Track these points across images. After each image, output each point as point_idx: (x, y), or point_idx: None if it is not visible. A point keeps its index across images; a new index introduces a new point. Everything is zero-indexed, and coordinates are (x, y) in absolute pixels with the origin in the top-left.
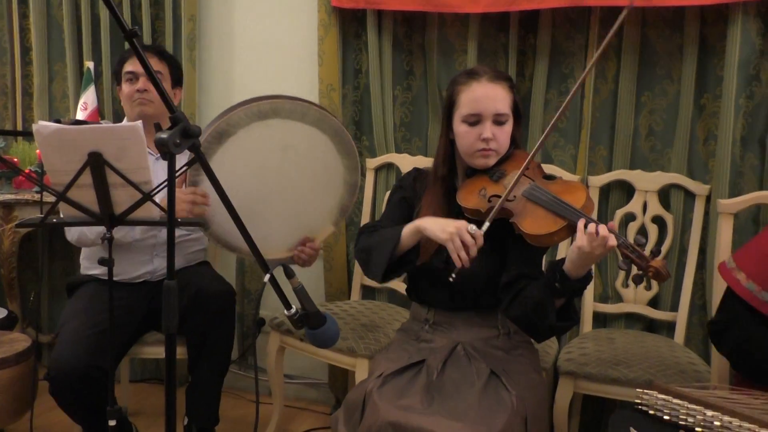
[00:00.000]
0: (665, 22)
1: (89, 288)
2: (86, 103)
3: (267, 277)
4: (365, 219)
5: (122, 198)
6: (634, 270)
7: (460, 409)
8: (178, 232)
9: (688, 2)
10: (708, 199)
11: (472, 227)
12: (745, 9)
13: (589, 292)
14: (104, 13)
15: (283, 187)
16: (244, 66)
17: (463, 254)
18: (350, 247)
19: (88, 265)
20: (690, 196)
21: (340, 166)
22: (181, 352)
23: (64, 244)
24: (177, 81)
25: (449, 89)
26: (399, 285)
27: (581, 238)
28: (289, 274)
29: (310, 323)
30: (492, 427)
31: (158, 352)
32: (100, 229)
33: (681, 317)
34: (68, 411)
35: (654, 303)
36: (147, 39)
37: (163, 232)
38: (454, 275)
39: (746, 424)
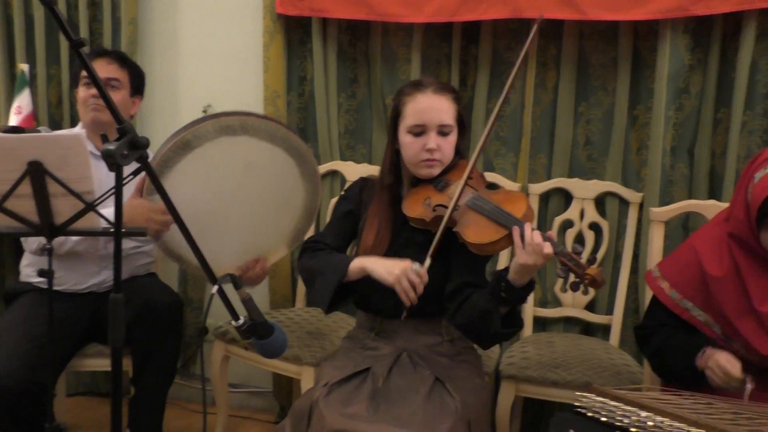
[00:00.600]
0: (600, 36)
1: (29, 297)
2: (20, 107)
3: (215, 288)
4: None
5: (64, 208)
6: (572, 278)
7: (405, 416)
8: (130, 244)
9: (621, 17)
10: (641, 206)
11: (416, 266)
12: (674, 25)
13: (529, 297)
14: (39, 14)
15: (242, 205)
16: (188, 72)
17: (411, 294)
18: (295, 254)
19: (30, 273)
20: (624, 203)
21: (302, 189)
22: (124, 364)
23: None
24: (137, 89)
25: (395, 100)
26: None
27: (519, 248)
28: (237, 285)
29: (258, 334)
30: (437, 431)
31: (99, 364)
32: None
33: (616, 320)
34: (4, 428)
35: (591, 307)
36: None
37: (112, 245)
38: (404, 314)
39: (677, 423)
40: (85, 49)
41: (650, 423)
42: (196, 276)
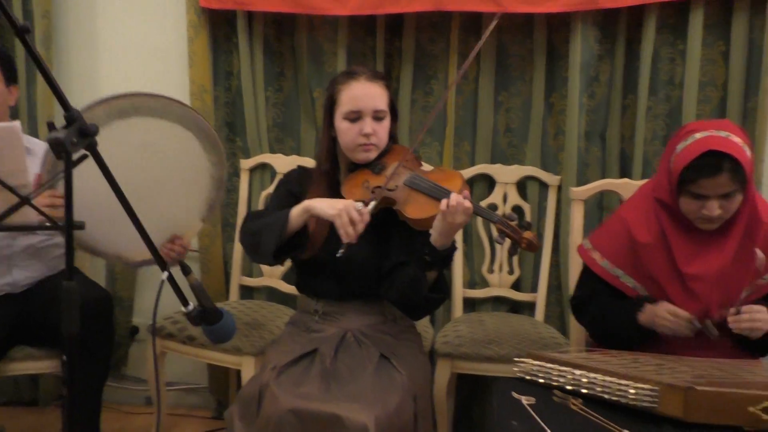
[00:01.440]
0: (517, 28)
1: None
2: None
3: (165, 275)
4: (241, 219)
5: None
6: (509, 243)
7: (356, 392)
8: (36, 237)
9: (536, 9)
10: (559, 188)
11: (359, 205)
12: (584, 18)
13: (458, 279)
14: None
15: (148, 187)
16: (109, 67)
17: (350, 230)
18: (227, 248)
19: None
20: (544, 186)
21: (206, 161)
22: (51, 366)
23: None
24: (11, 78)
25: (329, 89)
26: (278, 283)
27: (443, 205)
28: (186, 271)
29: (208, 319)
30: (387, 405)
31: (28, 367)
32: None
33: (540, 297)
34: None
35: (516, 286)
36: None
37: (19, 241)
38: (341, 251)
39: (608, 378)
40: None
41: (584, 380)
42: (123, 274)
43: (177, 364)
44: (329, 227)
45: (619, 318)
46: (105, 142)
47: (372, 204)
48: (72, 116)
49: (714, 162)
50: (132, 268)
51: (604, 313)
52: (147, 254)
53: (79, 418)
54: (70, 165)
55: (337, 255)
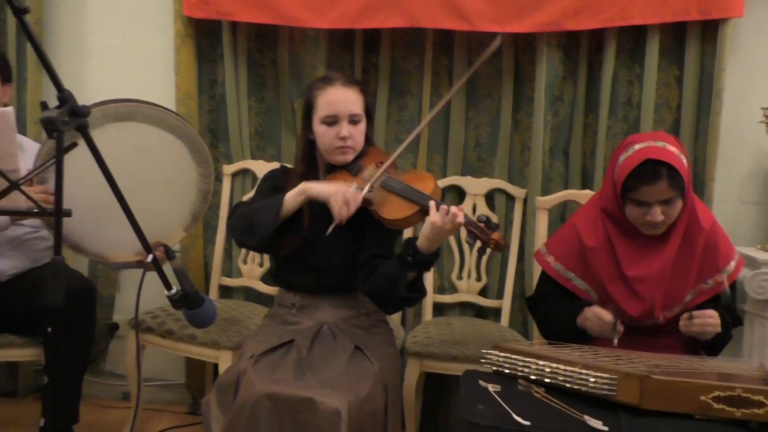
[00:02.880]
0: (486, 49)
1: None
2: None
3: (149, 257)
4: (222, 222)
5: None
6: (478, 244)
7: (329, 378)
8: (21, 229)
9: (503, 29)
10: (525, 201)
11: (353, 188)
12: (548, 40)
13: (429, 284)
14: None
15: (135, 191)
16: (97, 74)
17: (344, 209)
18: (207, 249)
19: None
20: (511, 198)
21: (195, 173)
22: (33, 354)
23: None
24: (6, 77)
25: (307, 94)
26: (256, 283)
27: (434, 215)
28: (170, 256)
29: (189, 303)
30: (359, 392)
31: (11, 354)
32: None
33: (506, 304)
34: None
35: (483, 293)
36: None
37: (5, 232)
38: (330, 229)
39: (570, 368)
40: None
41: (547, 369)
42: (105, 272)
43: (155, 360)
44: (308, 226)
45: (562, 318)
46: (98, 143)
47: (366, 189)
48: (64, 97)
49: (652, 170)
50: (111, 270)
51: (551, 313)
52: (127, 257)
53: (60, 404)
54: (61, 143)
55: (327, 233)
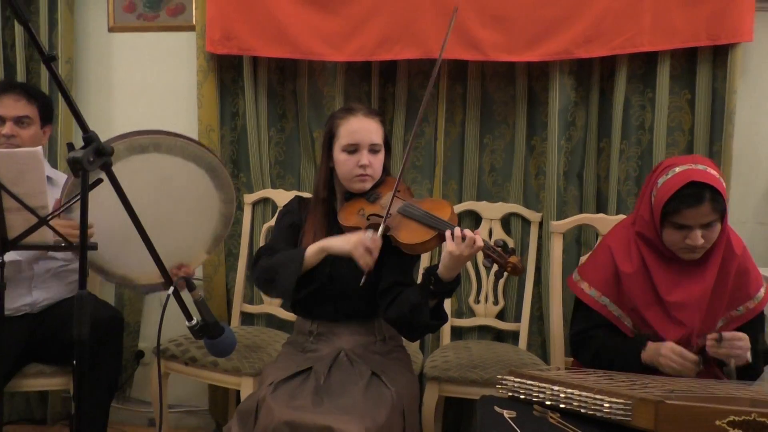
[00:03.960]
0: (500, 77)
1: None
2: None
3: (171, 290)
4: (243, 250)
5: (17, 222)
6: (495, 267)
7: (347, 406)
8: (55, 262)
9: (517, 58)
10: (540, 224)
11: (369, 233)
12: (561, 67)
13: (447, 309)
14: None
15: (160, 217)
16: (123, 108)
17: (368, 258)
18: (229, 276)
19: None
20: (526, 222)
21: (217, 199)
22: (61, 383)
23: None
24: (47, 119)
25: (328, 123)
26: (277, 310)
27: (451, 244)
28: (191, 287)
29: (210, 333)
30: (376, 419)
31: (40, 384)
32: None
33: (523, 327)
34: None
35: (501, 316)
36: (21, 80)
37: (40, 264)
38: (363, 280)
39: (584, 393)
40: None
41: (562, 395)
42: (131, 300)
43: (179, 387)
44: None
45: (622, 357)
46: (123, 174)
47: (381, 229)
48: (89, 137)
49: (696, 192)
50: (136, 292)
51: (606, 350)
52: (153, 279)
53: (87, 430)
54: (86, 182)
55: (360, 284)
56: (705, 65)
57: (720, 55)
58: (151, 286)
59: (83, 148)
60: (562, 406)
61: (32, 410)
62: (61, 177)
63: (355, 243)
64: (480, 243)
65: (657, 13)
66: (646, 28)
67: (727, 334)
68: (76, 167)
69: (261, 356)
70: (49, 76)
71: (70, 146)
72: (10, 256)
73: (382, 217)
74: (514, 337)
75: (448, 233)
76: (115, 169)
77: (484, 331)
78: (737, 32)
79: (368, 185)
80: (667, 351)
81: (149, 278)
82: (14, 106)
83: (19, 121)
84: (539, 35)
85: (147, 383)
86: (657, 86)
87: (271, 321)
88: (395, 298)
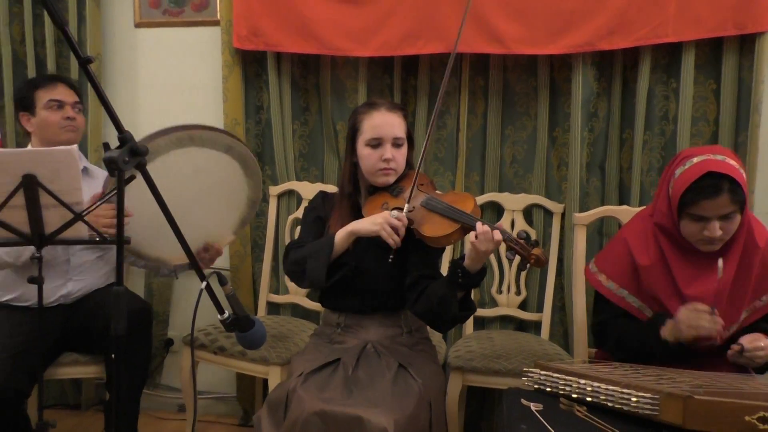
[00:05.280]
0: (522, 69)
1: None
2: None
3: (204, 284)
4: (269, 241)
5: (54, 218)
6: (518, 259)
7: (375, 398)
8: (90, 254)
9: (539, 51)
10: (563, 215)
11: (395, 212)
12: (584, 59)
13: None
14: (6, 50)
15: (191, 203)
16: (149, 102)
17: (395, 237)
18: (255, 267)
19: None
20: (548, 213)
21: (245, 185)
22: (95, 371)
23: None
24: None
25: (352, 118)
26: (302, 300)
27: (473, 238)
28: (222, 282)
29: (241, 327)
30: (404, 410)
31: (75, 372)
32: (16, 253)
33: (545, 317)
34: None
35: (523, 306)
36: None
37: (76, 256)
38: (392, 256)
39: (611, 387)
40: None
41: (589, 388)
42: (160, 289)
43: (207, 374)
44: (352, 245)
45: (643, 336)
46: (164, 166)
47: (406, 207)
48: (125, 138)
49: (714, 183)
50: (168, 272)
51: (627, 334)
52: (185, 259)
53: (119, 419)
54: (121, 180)
55: (389, 260)
56: (731, 54)
57: (747, 43)
58: (182, 266)
59: (118, 147)
60: (588, 399)
61: (67, 396)
62: (95, 169)
63: (381, 223)
64: (499, 237)
65: (681, 3)
66: (670, 18)
67: (748, 346)
68: (112, 167)
69: (288, 346)
70: (80, 71)
71: (106, 146)
72: (49, 251)
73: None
74: (536, 327)
75: (473, 229)
76: (157, 162)
77: (506, 321)
78: (764, 20)
79: (392, 179)
80: (683, 316)
81: (181, 259)
82: (68, 93)
83: (74, 106)
84: (562, 28)
85: (176, 370)
86: (681, 76)
87: (297, 311)
88: (422, 292)
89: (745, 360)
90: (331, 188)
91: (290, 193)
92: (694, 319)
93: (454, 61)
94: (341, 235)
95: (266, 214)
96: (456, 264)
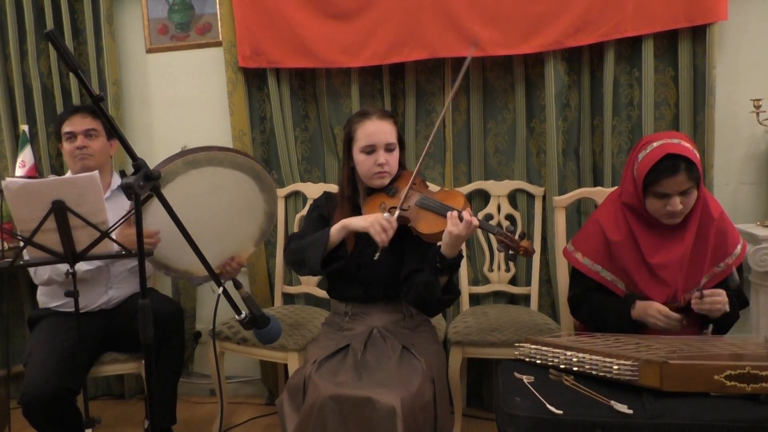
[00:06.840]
0: (499, 67)
1: (49, 321)
2: (24, 161)
3: (220, 289)
4: (280, 239)
5: (83, 237)
6: (509, 251)
7: (383, 378)
8: (130, 263)
9: (513, 52)
10: (544, 198)
11: (386, 215)
12: (554, 55)
13: (464, 277)
14: (36, 83)
15: (213, 219)
16: (162, 119)
17: (383, 235)
18: (270, 262)
19: (46, 300)
20: (531, 197)
21: (261, 200)
22: (134, 367)
23: (9, 285)
24: (111, 134)
25: (346, 127)
26: (314, 289)
27: (450, 224)
28: (238, 286)
29: (258, 324)
30: (410, 388)
31: (116, 369)
32: (63, 270)
33: (534, 290)
34: (40, 430)
35: (513, 281)
36: (76, 101)
37: (115, 266)
38: (378, 254)
39: (594, 357)
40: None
41: (575, 359)
42: (186, 289)
43: (234, 361)
44: (353, 243)
45: (613, 314)
46: (182, 187)
47: (397, 213)
48: (138, 165)
49: (672, 163)
50: (193, 283)
51: (599, 310)
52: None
53: (159, 408)
54: (139, 204)
55: (375, 258)
56: (686, 44)
57: (699, 33)
58: (206, 277)
59: (134, 174)
60: (575, 369)
61: (112, 387)
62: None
63: (371, 221)
64: (476, 222)
65: (638, 1)
66: (628, 15)
67: (707, 292)
68: (129, 192)
69: (303, 333)
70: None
71: (122, 173)
72: (90, 264)
73: (402, 209)
74: (525, 299)
75: (449, 214)
76: (176, 183)
77: (498, 296)
78: (713, 12)
79: (386, 181)
80: (653, 312)
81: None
82: (81, 122)
83: (87, 134)
84: (532, 30)
85: (206, 359)
86: (643, 66)
87: (309, 299)
88: (412, 283)
89: (707, 306)
90: (334, 188)
91: (296, 194)
92: (663, 323)
93: (436, 65)
94: (336, 228)
95: (276, 214)
96: (434, 252)
